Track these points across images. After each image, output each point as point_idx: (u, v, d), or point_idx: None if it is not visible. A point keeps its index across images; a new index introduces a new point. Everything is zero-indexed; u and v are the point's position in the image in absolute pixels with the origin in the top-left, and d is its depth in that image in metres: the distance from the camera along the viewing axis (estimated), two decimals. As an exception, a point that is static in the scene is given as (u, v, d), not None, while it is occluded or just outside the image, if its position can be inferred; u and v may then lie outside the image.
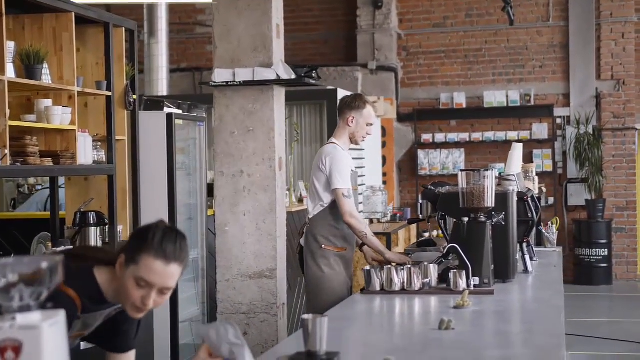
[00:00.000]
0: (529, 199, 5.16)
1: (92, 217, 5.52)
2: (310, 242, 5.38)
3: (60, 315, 1.81)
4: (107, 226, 5.67)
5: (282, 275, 6.08)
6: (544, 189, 11.72)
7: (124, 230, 5.95)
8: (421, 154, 13.30)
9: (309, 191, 5.53)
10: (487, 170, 4.52)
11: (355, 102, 5.45)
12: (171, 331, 6.42)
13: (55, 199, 5.75)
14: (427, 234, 12.48)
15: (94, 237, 5.51)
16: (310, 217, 5.43)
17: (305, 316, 2.76)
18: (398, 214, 11.20)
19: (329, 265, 5.30)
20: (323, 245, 5.33)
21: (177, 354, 6.43)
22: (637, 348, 8.55)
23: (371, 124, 5.48)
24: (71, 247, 4.99)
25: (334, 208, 5.31)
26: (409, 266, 4.40)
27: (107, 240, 5.70)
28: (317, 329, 2.75)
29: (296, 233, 7.61)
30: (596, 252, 12.61)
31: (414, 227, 11.39)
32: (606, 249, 12.63)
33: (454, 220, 4.64)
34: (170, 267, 2.65)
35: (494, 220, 4.55)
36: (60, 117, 5.09)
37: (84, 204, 5.66)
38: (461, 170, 4.55)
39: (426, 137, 13.31)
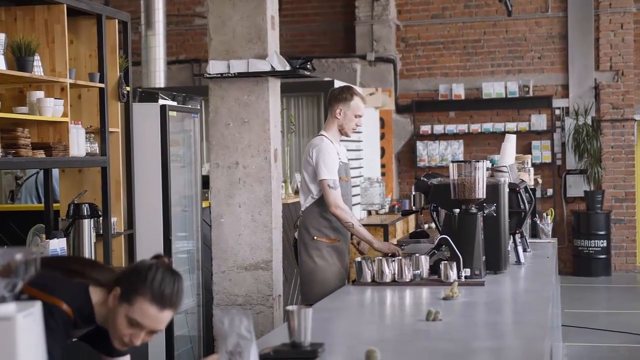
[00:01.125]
0: (522, 190, 5.16)
1: (85, 209, 5.52)
2: (302, 234, 5.40)
3: (36, 307, 1.81)
4: (100, 218, 5.67)
5: (278, 267, 6.09)
6: (540, 180, 11.73)
7: (117, 222, 5.95)
8: (420, 145, 13.29)
9: (300, 184, 5.56)
10: (478, 161, 4.51)
11: (343, 94, 5.45)
12: None
13: (49, 190, 5.74)
14: (426, 226, 12.49)
15: (88, 228, 5.50)
16: (302, 209, 5.45)
17: (290, 307, 2.77)
18: (396, 206, 11.20)
19: (321, 257, 5.32)
20: (315, 237, 5.35)
21: (172, 345, 6.44)
22: (635, 339, 8.55)
23: (359, 116, 5.46)
24: (67, 256, 4.94)
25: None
26: (400, 257, 4.41)
27: (101, 232, 5.70)
28: (302, 321, 2.76)
29: (291, 225, 7.61)
30: (595, 243, 12.60)
31: (412, 218, 11.39)
32: (605, 240, 12.63)
33: (446, 211, 4.64)
34: (165, 313, 2.67)
35: (485, 212, 4.55)
36: (52, 109, 5.08)
37: (78, 196, 5.66)
38: (452, 162, 4.55)
39: (425, 128, 13.30)
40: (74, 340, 2.86)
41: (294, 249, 5.59)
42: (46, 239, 5.35)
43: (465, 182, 4.47)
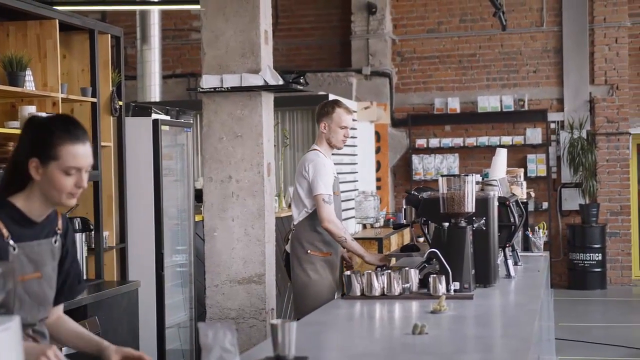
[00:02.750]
0: (512, 204, 5.17)
1: (77, 223, 5.53)
2: (295, 247, 5.43)
3: (14, 321, 1.82)
4: (92, 232, 5.68)
5: (271, 281, 6.09)
6: (532, 194, 11.73)
7: (109, 236, 5.97)
8: (415, 159, 13.31)
9: (293, 198, 5.61)
10: (467, 175, 4.53)
11: (324, 108, 5.59)
12: (157, 337, 6.43)
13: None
14: (421, 239, 12.49)
15: (80, 243, 5.52)
16: (295, 223, 5.50)
17: (274, 321, 2.78)
18: (391, 219, 11.21)
19: (315, 270, 5.34)
20: (309, 251, 5.38)
21: (164, 359, 6.44)
22: (631, 353, 8.56)
23: (345, 127, 5.53)
24: None
25: None
26: (389, 271, 4.42)
27: (92, 246, 5.71)
28: (286, 334, 2.77)
29: (283, 238, 7.63)
30: (590, 256, 12.61)
31: (407, 232, 11.39)
32: (600, 254, 12.63)
33: (435, 225, 4.66)
34: (87, 146, 2.78)
35: (474, 225, 4.57)
36: (44, 123, 5.10)
37: (70, 210, 5.67)
38: (442, 176, 4.57)
39: (420, 142, 13.32)
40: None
41: (285, 262, 5.61)
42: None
43: (454, 195, 4.49)
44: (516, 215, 5.16)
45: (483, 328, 3.78)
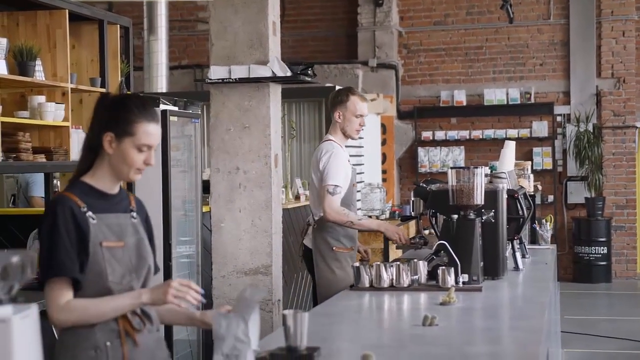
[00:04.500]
0: (520, 197, 5.17)
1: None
2: (319, 244, 5.32)
3: (32, 309, 1.83)
4: (101, 222, 5.68)
5: (278, 272, 6.09)
6: (540, 187, 11.73)
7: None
8: (421, 151, 13.31)
9: (310, 191, 5.47)
10: (477, 168, 4.53)
11: (339, 96, 5.43)
12: (165, 327, 6.43)
13: (49, 195, 5.76)
14: (427, 232, 12.49)
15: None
16: (316, 218, 5.36)
17: (286, 312, 2.78)
18: (397, 212, 11.20)
19: (341, 268, 5.28)
20: (334, 248, 5.28)
21: (171, 349, 6.45)
22: (635, 346, 8.56)
23: (360, 115, 5.40)
24: None
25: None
26: (399, 263, 4.42)
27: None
28: (298, 325, 2.77)
29: (292, 230, 7.63)
30: (595, 250, 12.61)
31: (412, 224, 11.39)
32: (605, 247, 12.64)
33: (444, 217, 4.66)
34: (159, 126, 2.94)
35: (483, 218, 4.56)
36: (54, 113, 5.11)
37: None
38: (451, 168, 4.56)
39: (426, 134, 13.32)
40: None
41: (304, 258, 5.51)
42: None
43: (463, 188, 4.48)
44: (524, 207, 5.16)
45: (493, 320, 3.79)
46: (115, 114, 2.88)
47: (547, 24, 13.16)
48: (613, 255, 12.82)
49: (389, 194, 12.23)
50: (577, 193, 12.96)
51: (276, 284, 5.94)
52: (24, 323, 1.79)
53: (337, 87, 10.29)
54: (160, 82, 10.80)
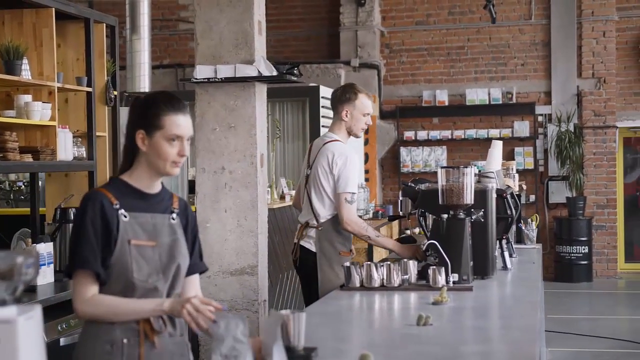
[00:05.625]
0: (508, 196, 5.18)
1: (72, 214, 5.49)
2: (325, 247, 5.15)
3: (36, 310, 1.81)
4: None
5: (264, 272, 6.08)
6: (524, 187, 11.78)
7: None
8: (403, 151, 13.33)
9: (315, 192, 5.22)
10: (467, 167, 4.53)
11: (346, 94, 5.22)
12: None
13: (36, 194, 5.72)
14: (407, 231, 12.51)
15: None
16: (322, 220, 5.17)
17: (284, 312, 2.77)
18: (380, 211, 11.21)
19: (342, 271, 5.19)
20: (341, 252, 5.15)
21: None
22: (617, 344, 8.61)
23: (367, 114, 5.23)
24: None
25: None
26: (389, 263, 4.41)
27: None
28: (295, 325, 2.77)
29: (277, 230, 7.62)
30: (577, 249, 12.68)
31: (395, 224, 11.41)
32: (586, 246, 12.70)
33: (434, 217, 4.66)
34: (188, 117, 3.01)
35: (473, 217, 4.57)
36: (40, 112, 5.07)
37: (65, 200, 5.64)
38: (441, 167, 4.56)
39: (408, 134, 13.34)
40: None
41: (300, 260, 5.33)
42: (32, 243, 5.33)
43: (453, 187, 4.49)
44: (513, 207, 5.17)
45: (486, 319, 3.79)
46: (143, 112, 2.97)
47: (529, 24, 13.22)
48: (594, 254, 12.90)
49: (371, 194, 12.24)
50: (559, 193, 13.03)
51: (262, 284, 5.93)
52: (29, 324, 1.77)
53: (322, 87, 10.31)
54: (143, 82, 10.71)
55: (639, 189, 13.59)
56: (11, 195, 8.36)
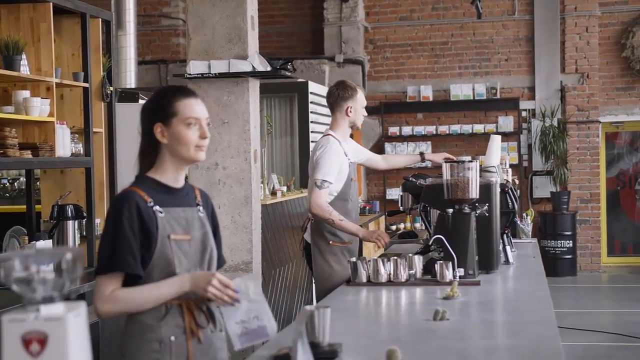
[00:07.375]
0: (510, 190, 5.19)
1: (69, 210, 5.44)
2: (317, 238, 5.30)
3: (82, 307, 1.78)
4: (85, 219, 5.59)
5: (257, 268, 6.07)
6: (517, 181, 11.84)
7: (101, 223, 5.88)
8: (388, 147, 13.33)
9: (309, 186, 5.40)
10: (471, 161, 4.53)
11: (347, 91, 5.42)
12: None
13: (32, 191, 5.66)
14: (394, 227, 12.53)
15: (72, 230, 5.43)
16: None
17: (309, 307, 2.75)
18: (367, 207, 11.22)
19: (338, 262, 5.24)
20: (331, 242, 5.26)
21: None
22: (602, 338, 8.67)
23: (364, 106, 5.56)
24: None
25: (338, 202, 5.24)
26: (396, 258, 4.40)
27: (84, 233, 5.62)
28: (320, 320, 2.75)
29: (270, 226, 7.59)
30: (561, 243, 12.74)
31: (382, 219, 11.42)
32: (571, 241, 12.77)
33: (438, 211, 4.65)
34: (200, 101, 3.00)
35: (477, 212, 4.56)
36: (39, 108, 5.01)
37: (61, 197, 5.59)
38: (445, 162, 4.56)
39: (393, 130, 13.34)
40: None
41: (305, 252, 5.46)
42: (29, 241, 5.27)
43: (458, 182, 4.48)
44: (514, 201, 5.18)
45: (502, 314, 3.79)
46: (155, 105, 2.98)
47: (512, 19, 13.26)
48: (578, 248, 12.97)
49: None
50: (543, 187, 13.08)
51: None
52: (77, 320, 1.75)
53: (310, 83, 10.27)
54: (129, 78, 10.65)
55: (619, 184, 13.67)
56: (7, 193, 8.29)
